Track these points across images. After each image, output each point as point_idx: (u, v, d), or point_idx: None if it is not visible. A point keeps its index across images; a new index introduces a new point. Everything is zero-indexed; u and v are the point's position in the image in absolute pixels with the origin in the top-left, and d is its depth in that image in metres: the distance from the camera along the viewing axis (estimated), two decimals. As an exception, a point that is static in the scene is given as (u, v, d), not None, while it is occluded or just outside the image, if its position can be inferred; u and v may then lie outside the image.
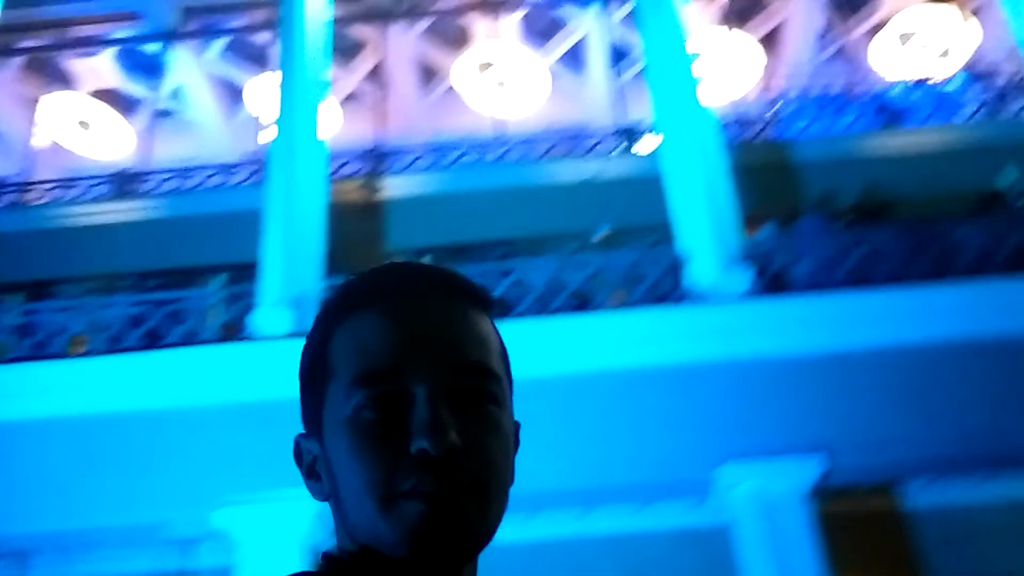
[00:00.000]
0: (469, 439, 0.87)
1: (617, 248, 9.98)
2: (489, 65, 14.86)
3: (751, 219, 9.84)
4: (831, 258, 8.88)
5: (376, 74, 16.17)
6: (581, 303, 8.73)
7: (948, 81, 14.70)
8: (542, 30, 16.48)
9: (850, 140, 13.00)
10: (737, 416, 7.96)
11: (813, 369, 8.02)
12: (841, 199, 11.71)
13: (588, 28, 16.12)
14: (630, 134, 13.71)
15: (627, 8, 15.43)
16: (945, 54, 14.97)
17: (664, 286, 8.58)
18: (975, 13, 15.50)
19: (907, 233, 9.15)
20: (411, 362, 0.89)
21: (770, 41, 16.29)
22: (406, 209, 12.30)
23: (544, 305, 8.51)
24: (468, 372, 0.91)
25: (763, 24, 16.27)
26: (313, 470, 0.97)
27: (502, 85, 14.80)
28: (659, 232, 9.79)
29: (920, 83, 14.82)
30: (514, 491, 0.94)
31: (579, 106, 16.18)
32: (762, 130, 13.76)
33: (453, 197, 12.36)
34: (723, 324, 7.96)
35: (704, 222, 8.79)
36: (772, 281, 8.57)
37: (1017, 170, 10.55)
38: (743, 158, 10.88)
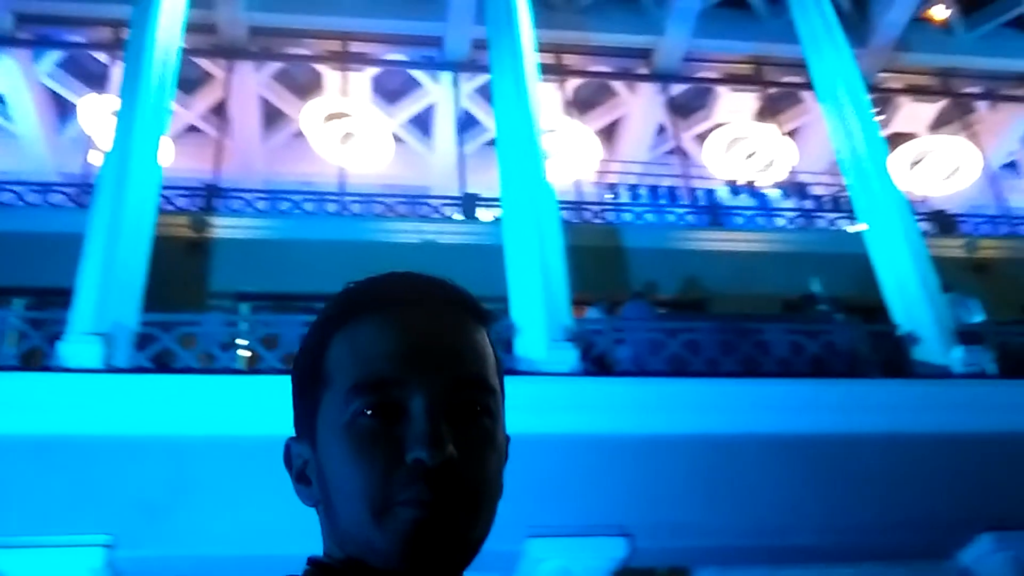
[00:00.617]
0: (464, 451, 0.87)
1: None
2: (337, 116, 14.78)
3: (579, 300, 10.13)
4: (652, 345, 9.23)
5: (219, 110, 15.80)
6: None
7: (769, 190, 15.74)
8: (393, 91, 16.61)
9: (676, 233, 13.64)
10: (550, 492, 8.05)
11: (626, 450, 8.25)
12: (663, 288, 12.26)
13: (438, 95, 16.37)
14: (471, 202, 13.89)
15: (478, 80, 15.80)
16: (768, 166, 16.01)
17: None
18: (792, 134, 16.72)
19: (722, 327, 9.64)
20: (410, 372, 0.89)
21: (609, 133, 17.01)
22: (235, 251, 11.94)
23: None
24: (466, 384, 0.90)
25: (603, 117, 16.99)
26: (303, 475, 0.96)
27: (348, 137, 14.73)
28: (492, 302, 9.90)
29: (744, 188, 15.80)
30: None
31: (423, 169, 16.33)
32: (595, 216, 14.25)
33: (285, 244, 12.11)
34: (546, 400, 8.07)
35: (537, 297, 8.96)
36: (595, 362, 8.80)
37: (823, 279, 11.32)
38: (576, 240, 11.23)
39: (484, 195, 13.94)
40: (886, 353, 9.46)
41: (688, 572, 9.29)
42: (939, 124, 17.46)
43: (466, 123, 16.30)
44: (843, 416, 8.49)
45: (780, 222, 14.53)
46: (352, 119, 14.94)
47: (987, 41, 16.88)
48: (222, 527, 7.68)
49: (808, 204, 15.37)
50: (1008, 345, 9.55)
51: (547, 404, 8.13)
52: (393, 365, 0.89)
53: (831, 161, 16.49)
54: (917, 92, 17.18)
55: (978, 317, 10.60)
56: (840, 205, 14.74)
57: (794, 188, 15.87)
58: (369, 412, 0.89)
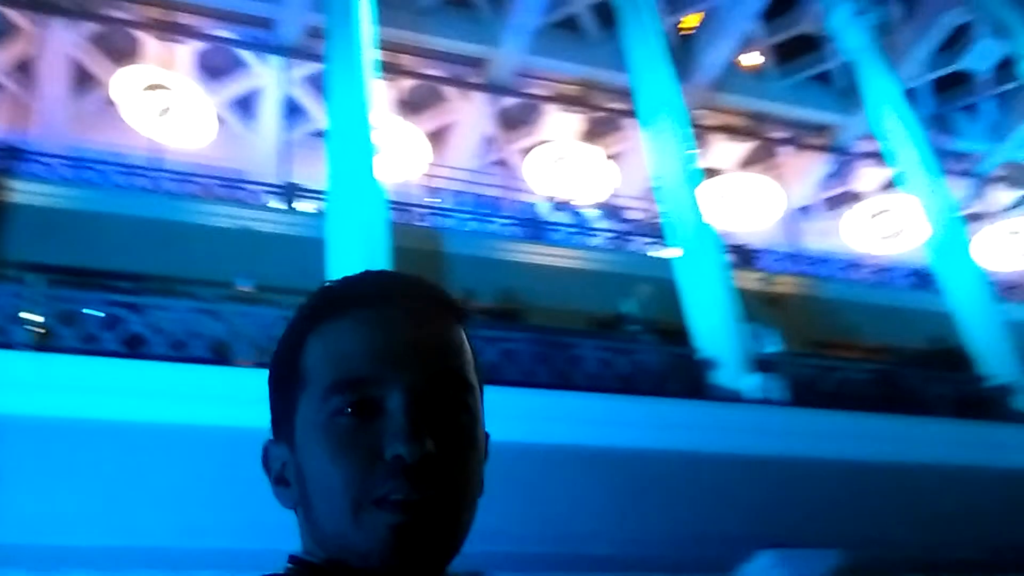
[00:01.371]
0: (443, 448, 0.87)
1: (262, 304, 9.68)
2: (156, 88, 14.04)
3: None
4: (469, 351, 9.26)
5: (25, 67, 14.68)
6: (217, 354, 8.32)
7: (588, 210, 16.20)
8: (218, 68, 15.96)
9: (496, 243, 13.80)
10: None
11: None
12: (481, 296, 12.35)
13: (266, 78, 15.87)
14: (292, 191, 13.54)
15: (309, 68, 15.43)
16: (588, 186, 16.48)
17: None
18: (613, 158, 17.30)
19: (539, 339, 9.81)
20: (388, 369, 0.89)
21: (437, 137, 17.02)
22: (34, 219, 11.11)
23: (179, 349, 8.00)
24: (444, 381, 0.90)
25: (433, 120, 16.99)
26: (282, 477, 0.95)
27: (166, 111, 14.02)
28: (299, 295, 9.66)
29: (564, 206, 16.19)
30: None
31: (243, 153, 15.76)
32: (418, 218, 14.21)
33: (91, 217, 11.38)
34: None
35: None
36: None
37: (635, 299, 11.74)
38: (397, 241, 11.15)
39: (306, 186, 13.64)
40: (688, 375, 9.91)
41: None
42: (747, 163, 18.53)
43: (292, 110, 15.90)
44: (647, 432, 8.81)
45: (596, 241, 14.98)
46: (172, 92, 14.24)
47: (795, 91, 18.07)
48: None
49: (623, 227, 15.93)
50: (799, 375, 10.22)
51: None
52: (370, 363, 0.89)
53: (647, 188, 17.19)
54: (729, 131, 18.14)
55: (774, 347, 11.28)
56: (653, 230, 15.35)
57: (611, 210, 16.41)
58: (347, 411, 0.88)
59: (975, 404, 10.74)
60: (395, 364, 0.89)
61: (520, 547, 8.66)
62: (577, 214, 16.14)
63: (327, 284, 0.97)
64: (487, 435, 0.97)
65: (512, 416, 8.57)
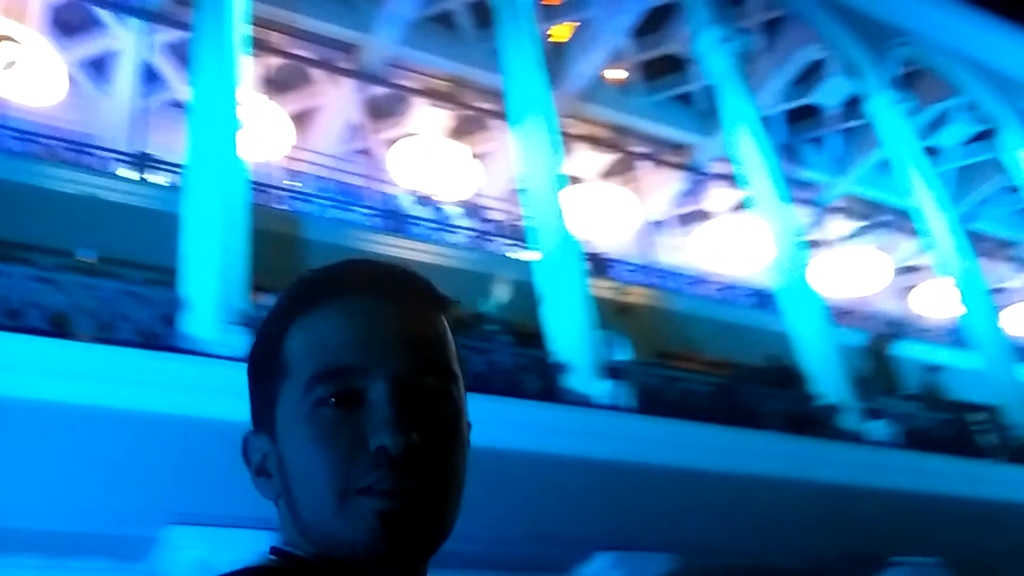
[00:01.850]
0: (428, 439, 0.86)
1: (105, 276, 9.21)
2: (3, 39, 13.17)
3: (254, 286, 9.77)
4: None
5: None
6: (56, 326, 7.86)
7: (450, 207, 16.19)
8: (72, 25, 15.11)
9: (357, 233, 13.61)
10: (198, 478, 7.65)
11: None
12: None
13: (124, 41, 15.13)
14: (145, 161, 12.95)
15: (171, 36, 14.81)
16: (453, 183, 16.48)
17: (154, 329, 8.08)
18: (480, 157, 17.37)
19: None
20: (371, 360, 0.88)
21: (302, 120, 16.64)
22: None
23: (15, 319, 7.52)
24: (429, 371, 0.90)
25: (298, 102, 16.60)
26: (262, 468, 0.94)
27: (12, 66, 13.17)
28: (158, 273, 9.28)
29: (427, 200, 16.13)
30: None
31: (95, 117, 14.96)
32: (278, 201, 13.85)
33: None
34: (209, 382, 7.67)
35: (213, 275, 8.52)
36: (265, 349, 8.50)
37: (495, 300, 11.81)
38: (256, 223, 10.83)
39: (160, 156, 13.10)
40: (542, 377, 10.04)
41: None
42: (607, 175, 18.95)
43: (150, 77, 15.22)
44: (498, 431, 8.86)
45: (457, 239, 14.98)
46: (20, 46, 13.39)
47: (657, 108, 18.62)
48: None
49: (484, 226, 16.00)
50: (646, 384, 10.52)
51: (209, 387, 7.72)
52: (354, 353, 0.88)
53: (510, 189, 17.33)
54: (592, 142, 18.50)
55: (624, 356, 11.55)
56: (514, 232, 15.49)
57: (473, 209, 16.46)
58: (331, 401, 0.87)
59: (805, 421, 11.32)
60: (379, 354, 0.88)
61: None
62: (439, 210, 16.12)
63: (309, 273, 0.95)
64: (469, 425, 0.96)
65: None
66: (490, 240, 15.31)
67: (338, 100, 16.62)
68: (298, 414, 0.89)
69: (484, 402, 9.05)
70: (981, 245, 22.36)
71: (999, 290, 22.79)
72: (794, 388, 12.07)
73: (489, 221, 16.32)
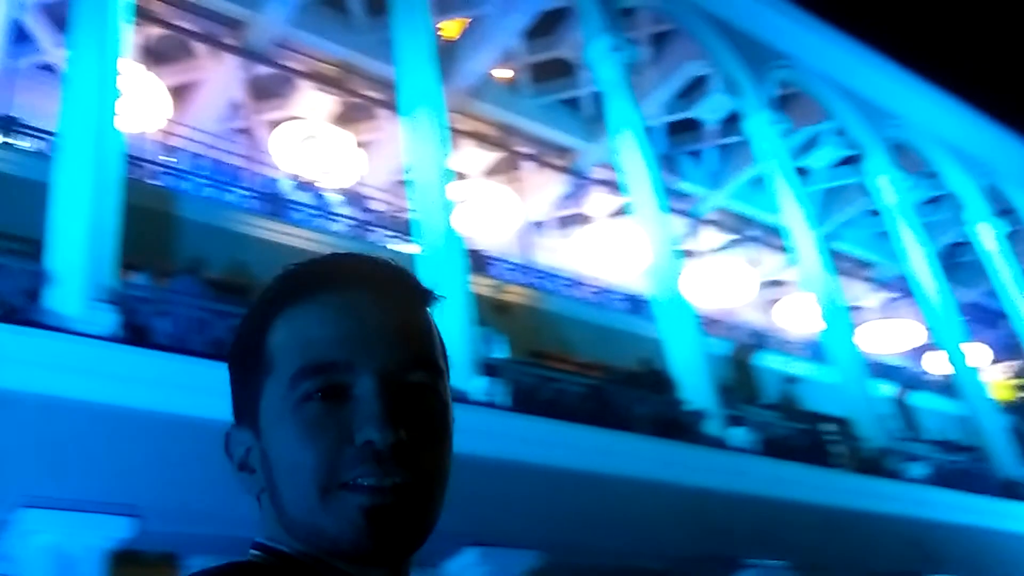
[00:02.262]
0: (414, 433, 0.86)
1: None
2: None
3: (124, 263, 9.39)
4: (196, 323, 8.83)
5: None
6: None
7: (331, 194, 15.94)
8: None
9: (234, 215, 13.25)
10: (53, 460, 7.31)
11: (151, 428, 7.76)
12: (211, 267, 11.82)
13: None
14: (9, 125, 12.27)
15: (46, -5, 14.10)
16: (335, 170, 16.21)
17: (15, 302, 7.67)
18: (365, 146, 17.16)
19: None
20: (357, 354, 0.87)
21: (181, 94, 16.08)
22: None
23: None
24: (415, 366, 0.89)
25: (178, 75, 16.04)
26: (245, 463, 0.93)
27: None
28: (22, 243, 8.83)
29: (307, 186, 15.83)
30: None
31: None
32: (151, 176, 13.35)
33: None
34: (74, 361, 7.34)
35: (81, 249, 8.14)
36: (134, 330, 8.19)
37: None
38: (129, 197, 10.42)
39: (27, 121, 12.44)
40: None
41: (178, 559, 8.98)
42: (491, 173, 19.01)
43: (20, 37, 14.43)
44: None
45: (337, 227, 14.76)
46: None
47: (544, 111, 18.81)
48: None
49: (366, 216, 15.81)
50: (521, 383, 10.60)
51: (73, 366, 7.40)
52: (340, 348, 0.87)
53: (394, 180, 17.20)
54: (479, 139, 18.53)
55: (500, 354, 11.62)
56: (395, 224, 15.36)
57: (355, 197, 16.25)
58: (316, 396, 0.86)
59: (672, 425, 11.63)
60: (365, 349, 0.87)
61: (231, 531, 8.35)
62: (320, 196, 15.84)
63: (291, 267, 0.95)
64: (452, 419, 0.95)
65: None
66: (371, 230, 15.14)
67: (220, 76, 16.13)
68: (283, 409, 0.87)
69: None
70: (842, 264, 23.49)
71: (856, 308, 23.97)
72: (663, 393, 12.39)
73: (371, 211, 16.15)
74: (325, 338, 0.88)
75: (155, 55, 15.34)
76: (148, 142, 14.68)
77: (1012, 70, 43.60)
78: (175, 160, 14.45)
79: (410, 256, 12.23)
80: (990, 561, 14.41)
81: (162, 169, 13.72)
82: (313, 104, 16.90)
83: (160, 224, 11.98)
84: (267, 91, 16.86)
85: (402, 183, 16.28)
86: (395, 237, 14.83)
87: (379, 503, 0.83)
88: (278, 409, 0.88)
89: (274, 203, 14.58)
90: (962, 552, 13.86)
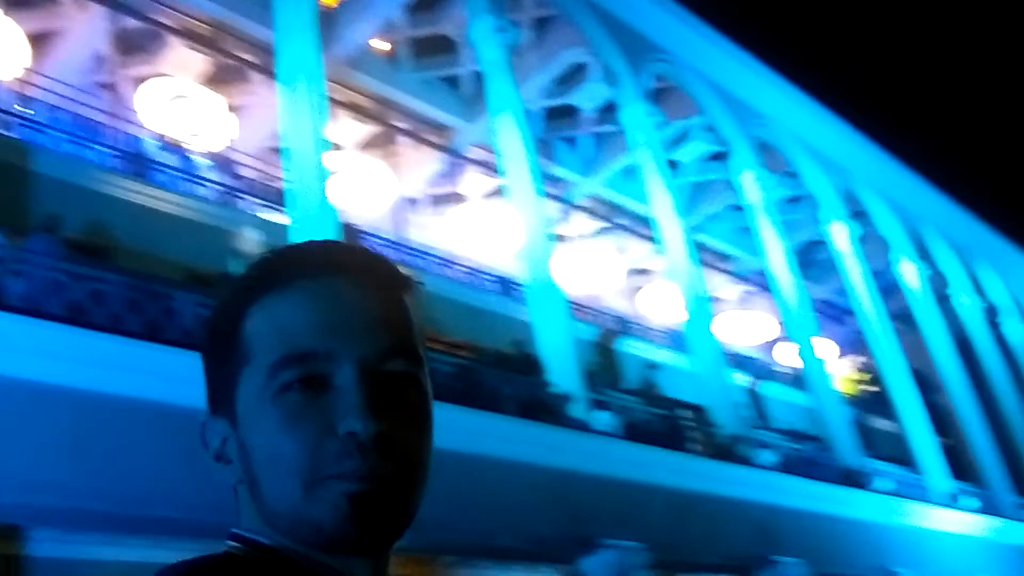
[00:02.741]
0: (395, 423, 0.85)
1: None
2: None
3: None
4: (52, 285, 8.38)
5: None
6: None
7: (199, 157, 15.37)
8: None
9: (94, 172, 12.62)
10: None
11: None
12: (69, 226, 11.24)
13: None
14: None
15: None
16: (203, 133, 15.65)
17: None
18: (236, 110, 16.62)
19: (133, 284, 9.12)
20: (337, 343, 0.85)
21: (41, 43, 15.18)
22: None
23: None
24: (396, 355, 0.88)
25: (39, 22, 15.13)
26: (222, 453, 0.91)
27: None
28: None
29: (173, 148, 15.22)
30: None
31: None
32: (4, 127, 12.57)
33: None
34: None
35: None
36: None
37: (243, 259, 11.34)
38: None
39: None
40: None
41: (21, 530, 8.56)
42: (366, 146, 18.73)
43: None
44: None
45: (204, 192, 14.25)
46: None
47: (424, 87, 18.65)
48: None
49: (235, 182, 15.32)
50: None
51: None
52: (319, 336, 0.86)
53: (265, 147, 16.74)
54: (356, 110, 18.23)
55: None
56: (266, 192, 14.95)
57: (224, 163, 15.72)
58: (296, 385, 0.85)
59: (539, 407, 11.77)
60: (344, 338, 0.86)
61: (76, 502, 7.99)
62: (187, 159, 15.24)
63: (267, 254, 0.93)
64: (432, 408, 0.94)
65: (96, 363, 7.90)
66: (240, 198, 14.67)
67: (84, 27, 15.31)
68: (262, 399, 0.86)
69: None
70: (704, 256, 24.26)
71: (716, 299, 24.81)
72: (532, 375, 12.52)
73: (240, 178, 15.66)
74: (304, 327, 0.86)
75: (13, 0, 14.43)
76: (3, 91, 13.81)
77: (871, 79, 45.93)
78: (32, 112, 13.63)
79: (281, 226, 11.96)
80: (830, 546, 15.22)
81: (18, 120, 12.92)
82: (183, 62, 16.24)
83: (14, 179, 11.30)
84: (134, 45, 16.10)
85: (275, 150, 15.87)
86: (265, 206, 14.43)
87: (364, 490, 0.82)
88: (256, 399, 0.86)
89: (138, 163, 13.96)
90: (805, 536, 14.58)
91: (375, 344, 0.87)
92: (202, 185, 14.39)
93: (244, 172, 15.97)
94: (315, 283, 0.88)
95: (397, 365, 0.88)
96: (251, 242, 11.83)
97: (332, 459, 0.83)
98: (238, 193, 14.78)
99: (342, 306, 0.87)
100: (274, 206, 13.93)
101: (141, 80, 15.92)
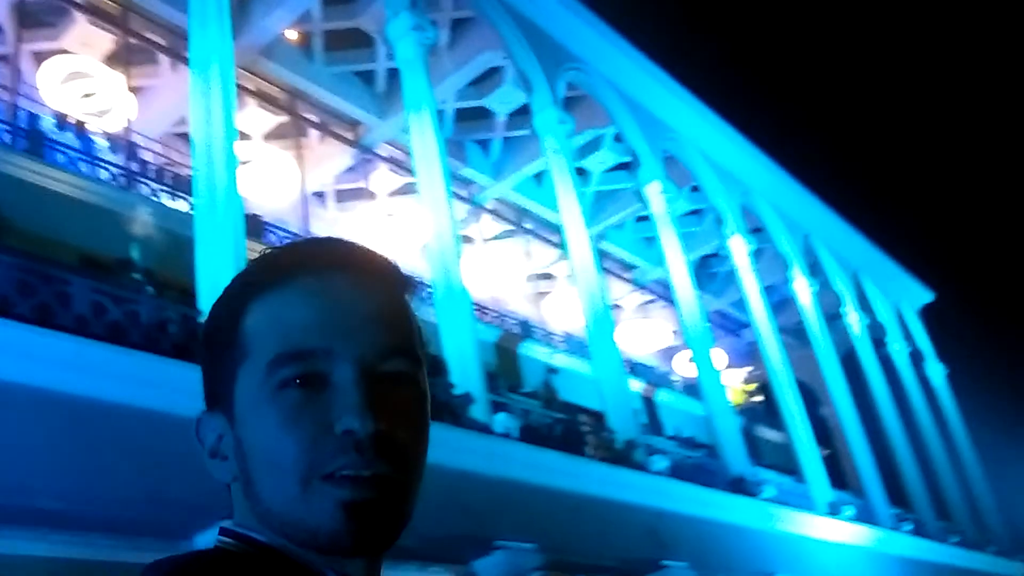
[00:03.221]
0: (393, 424, 0.85)
1: None
2: None
3: None
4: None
5: None
6: None
7: (98, 138, 14.89)
8: None
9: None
10: None
11: None
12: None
13: None
14: None
15: None
16: (105, 114, 15.18)
17: None
18: (139, 91, 16.15)
19: (23, 266, 8.78)
20: (337, 342, 0.85)
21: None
22: None
23: None
24: (394, 354, 0.88)
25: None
26: (217, 450, 0.91)
27: None
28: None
29: (72, 127, 14.71)
30: None
31: None
32: None
33: None
34: None
35: None
36: None
37: (141, 246, 11.04)
38: None
39: None
40: (184, 335, 9.55)
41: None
42: (274, 136, 18.42)
43: None
44: (134, 389, 8.33)
45: (103, 175, 13.81)
46: None
47: (337, 80, 18.43)
48: None
49: (137, 167, 14.89)
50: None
51: None
52: (319, 334, 0.86)
53: (168, 132, 16.34)
54: (265, 99, 17.91)
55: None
56: (170, 179, 14.58)
57: (126, 146, 15.27)
58: (295, 383, 0.85)
59: (441, 408, 11.77)
60: (344, 336, 0.86)
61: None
62: (86, 140, 14.75)
63: (268, 251, 0.92)
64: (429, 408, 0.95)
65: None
66: (141, 182, 14.27)
67: (-18, -5, 14.69)
68: (260, 396, 0.85)
69: (120, 355, 8.49)
70: (608, 264, 24.65)
71: (617, 307, 25.22)
72: (435, 376, 12.51)
73: (143, 162, 15.22)
74: (304, 324, 0.86)
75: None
76: None
77: (776, 98, 47.32)
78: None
79: (184, 214, 11.68)
80: (716, 550, 15.62)
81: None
82: (87, 40, 15.70)
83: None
84: (35, 18, 15.51)
85: (180, 136, 15.51)
86: (167, 191, 14.08)
87: (360, 498, 0.82)
88: (254, 396, 0.86)
89: (33, 140, 13.44)
90: (693, 541, 14.93)
91: (374, 343, 0.87)
92: (101, 166, 13.94)
93: (147, 156, 15.52)
94: (316, 281, 0.88)
95: (396, 365, 0.88)
96: (151, 228, 11.52)
97: (329, 457, 0.83)
98: (139, 177, 14.36)
99: (342, 304, 0.87)
100: (178, 193, 13.60)
101: (40, 55, 15.35)
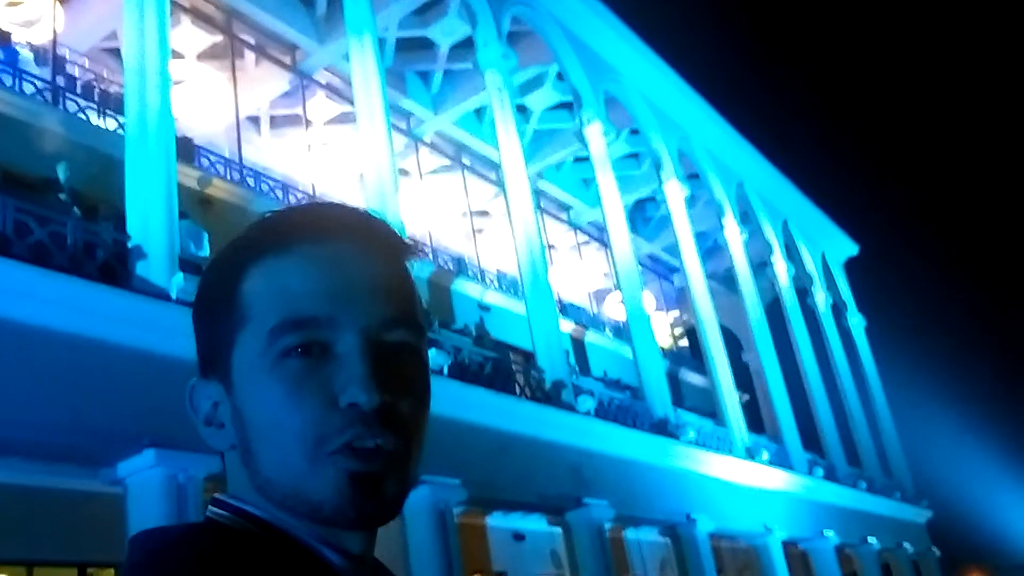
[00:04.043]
0: (397, 395, 0.84)
1: None
2: None
3: None
4: None
5: None
6: None
7: (23, 50, 14.26)
8: None
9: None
10: None
11: None
12: None
13: None
14: None
15: None
16: (30, 24, 14.53)
17: None
18: (65, 3, 15.45)
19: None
20: (340, 310, 0.83)
21: None
22: None
23: None
24: (398, 324, 0.86)
25: None
26: (213, 417, 0.88)
27: None
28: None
29: (-4, 36, 14.07)
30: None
31: None
32: None
33: None
34: None
35: None
36: None
37: (67, 166, 10.68)
38: None
39: None
40: (113, 260, 9.32)
41: None
42: (208, 56, 17.85)
43: None
44: (56, 312, 8.13)
45: (29, 89, 13.26)
46: None
47: (276, 1, 17.85)
48: None
49: (65, 82, 14.32)
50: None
51: None
52: (322, 302, 0.84)
53: (97, 47, 15.75)
54: (200, 17, 17.32)
55: (202, 250, 11.10)
56: (100, 96, 14.08)
57: (53, 59, 14.65)
58: (298, 352, 0.83)
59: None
60: (348, 305, 0.84)
61: None
62: (10, 51, 14.11)
63: (268, 215, 0.89)
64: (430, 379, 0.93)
65: None
66: (68, 98, 13.73)
67: None
68: (261, 365, 0.83)
69: (41, 277, 8.27)
70: (545, 203, 24.67)
71: (552, 247, 25.31)
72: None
73: (71, 78, 14.64)
74: (307, 291, 0.84)
75: None
76: None
77: (718, 43, 47.42)
78: None
79: (112, 133, 11.31)
80: (637, 490, 16.01)
81: None
82: (11, -56, 14.95)
83: None
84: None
85: (110, 51, 14.96)
86: (95, 109, 13.59)
87: (364, 470, 0.81)
88: (254, 364, 0.84)
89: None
90: (615, 481, 15.27)
91: (379, 313, 0.85)
92: (25, 80, 13.37)
93: (76, 72, 14.93)
94: (319, 247, 0.86)
95: (399, 335, 0.86)
96: (77, 146, 11.14)
97: (336, 431, 0.81)
98: (66, 92, 13.82)
99: (346, 272, 0.85)
100: (107, 111, 13.15)
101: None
